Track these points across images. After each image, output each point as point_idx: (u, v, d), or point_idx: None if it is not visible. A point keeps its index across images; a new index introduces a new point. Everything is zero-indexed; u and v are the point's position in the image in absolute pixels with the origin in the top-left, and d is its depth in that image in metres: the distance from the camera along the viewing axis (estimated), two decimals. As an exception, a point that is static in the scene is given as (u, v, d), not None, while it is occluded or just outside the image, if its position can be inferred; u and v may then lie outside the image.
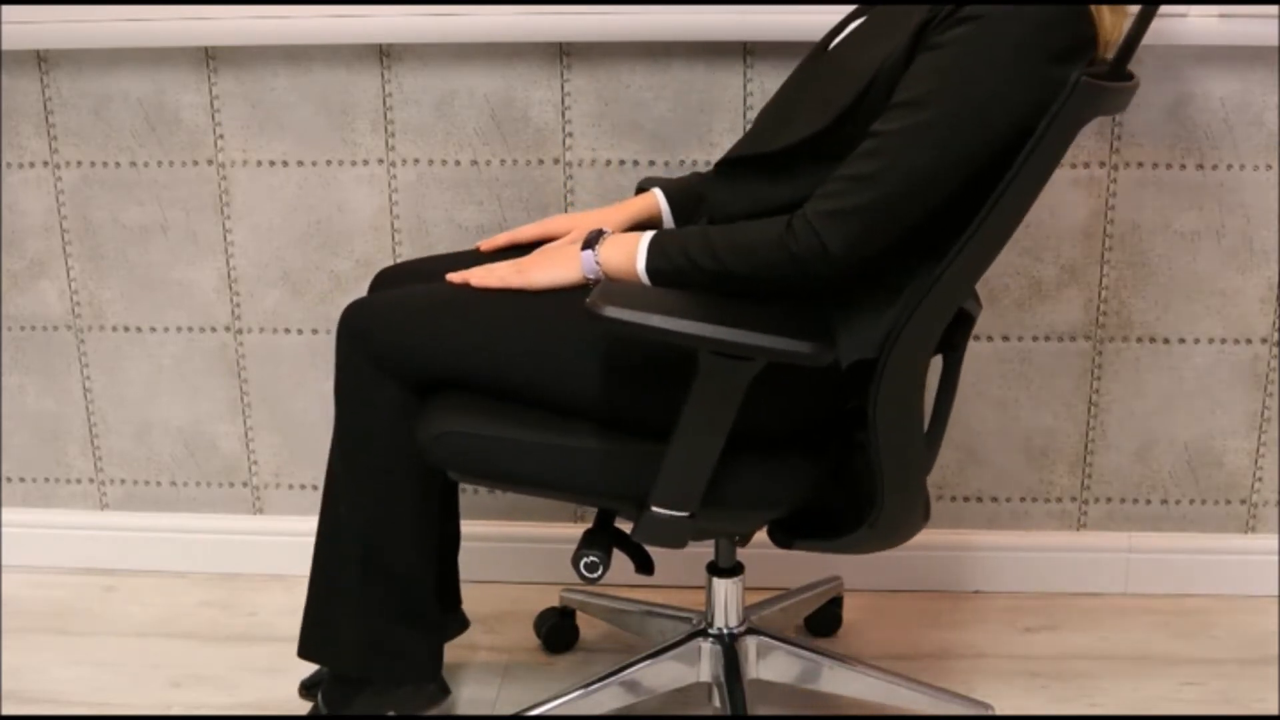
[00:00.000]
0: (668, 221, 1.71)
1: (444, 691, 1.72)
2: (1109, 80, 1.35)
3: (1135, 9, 1.38)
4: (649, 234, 1.47)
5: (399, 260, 2.10)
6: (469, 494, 2.13)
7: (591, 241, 1.50)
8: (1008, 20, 1.33)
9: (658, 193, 1.71)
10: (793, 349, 1.33)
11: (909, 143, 1.35)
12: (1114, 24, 1.40)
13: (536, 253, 1.59)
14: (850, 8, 1.68)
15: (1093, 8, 1.37)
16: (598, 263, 1.49)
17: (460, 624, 1.87)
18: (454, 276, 1.56)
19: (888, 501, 1.46)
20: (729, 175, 1.58)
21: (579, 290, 1.44)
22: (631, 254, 1.46)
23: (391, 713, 1.68)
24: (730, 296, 1.41)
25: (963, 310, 1.56)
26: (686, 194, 1.71)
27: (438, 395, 1.53)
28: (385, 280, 1.74)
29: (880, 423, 1.42)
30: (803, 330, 1.35)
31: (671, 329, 1.33)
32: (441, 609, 1.76)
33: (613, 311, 1.33)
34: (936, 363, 1.63)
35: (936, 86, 1.35)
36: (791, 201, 1.41)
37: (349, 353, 1.56)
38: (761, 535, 1.62)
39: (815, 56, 1.65)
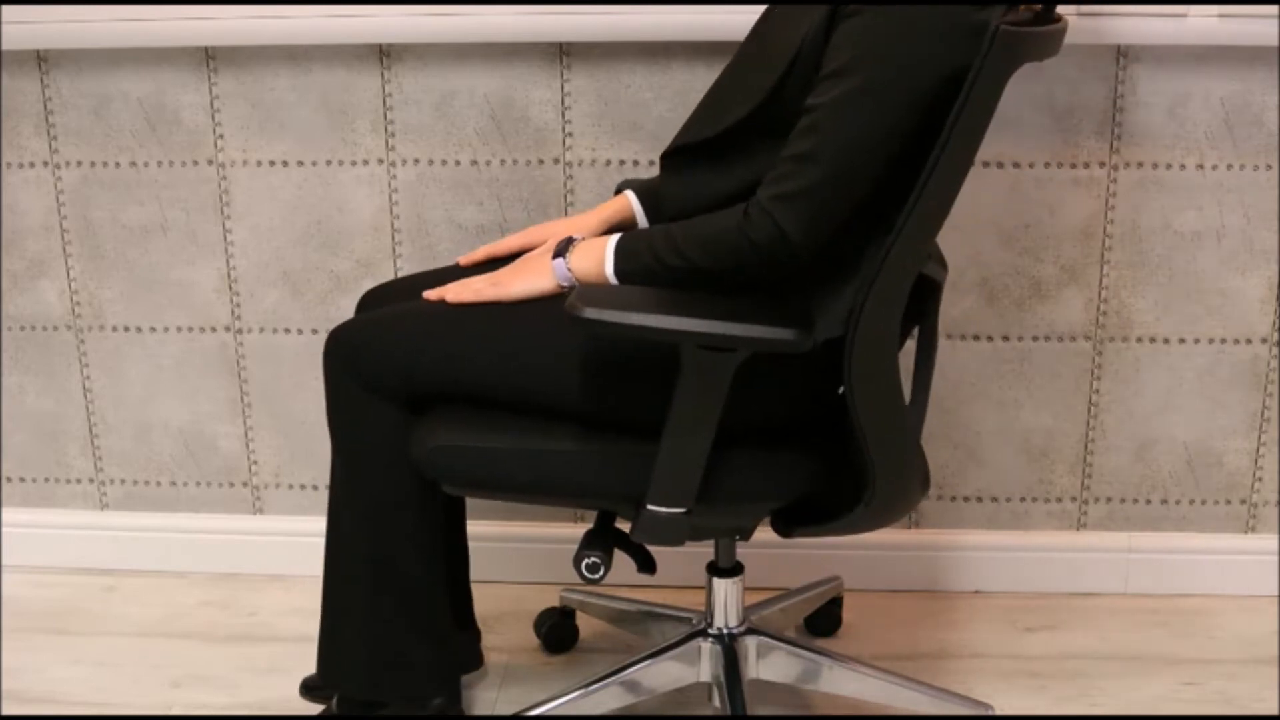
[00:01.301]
0: (641, 221, 1.71)
1: (457, 711, 1.71)
2: (1035, 26, 1.35)
3: None
4: (615, 237, 1.48)
5: (398, 259, 2.10)
6: (469, 494, 2.13)
7: (562, 250, 1.52)
8: None
9: (630, 194, 1.72)
10: (775, 336, 1.34)
11: (843, 112, 1.36)
12: None
13: (511, 265, 1.60)
14: None
15: None
16: (569, 270, 1.50)
17: (475, 659, 1.88)
18: (430, 294, 1.57)
19: (880, 478, 1.46)
20: (674, 168, 1.58)
21: (556, 298, 1.45)
22: (600, 258, 1.47)
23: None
24: (700, 290, 1.41)
25: (926, 276, 1.55)
26: (658, 193, 1.71)
27: (428, 411, 1.54)
28: (371, 301, 1.75)
29: (859, 399, 1.42)
30: (783, 317, 1.36)
31: (654, 325, 1.34)
32: (457, 624, 1.76)
33: (592, 313, 1.33)
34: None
35: (859, 53, 1.36)
36: (741, 187, 1.43)
37: (337, 377, 1.57)
38: (761, 535, 1.62)
39: (743, 46, 1.65)
